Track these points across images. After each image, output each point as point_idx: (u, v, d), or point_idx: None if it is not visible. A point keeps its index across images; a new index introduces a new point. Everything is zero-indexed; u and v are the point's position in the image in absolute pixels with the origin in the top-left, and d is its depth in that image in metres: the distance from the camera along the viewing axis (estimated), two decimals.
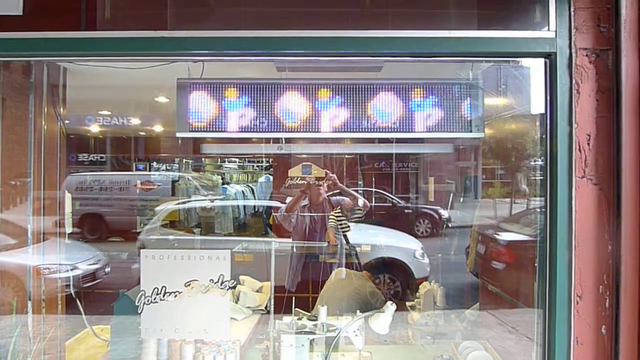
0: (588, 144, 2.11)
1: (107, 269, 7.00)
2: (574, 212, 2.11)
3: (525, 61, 2.40)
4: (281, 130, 2.65)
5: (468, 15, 2.62)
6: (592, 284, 2.11)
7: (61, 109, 3.32)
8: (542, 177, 2.25)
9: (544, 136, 2.22)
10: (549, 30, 2.15)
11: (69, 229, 3.37)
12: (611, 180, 2.09)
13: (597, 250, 2.11)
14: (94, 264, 6.72)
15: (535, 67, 2.28)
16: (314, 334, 2.66)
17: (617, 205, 2.06)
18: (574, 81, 2.12)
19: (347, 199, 5.05)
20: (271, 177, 10.81)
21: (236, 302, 3.55)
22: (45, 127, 3.13)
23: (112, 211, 10.21)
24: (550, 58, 2.17)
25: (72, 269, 5.73)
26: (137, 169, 10.88)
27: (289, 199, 5.17)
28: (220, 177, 11.11)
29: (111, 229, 10.16)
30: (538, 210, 2.30)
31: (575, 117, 2.11)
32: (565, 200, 2.11)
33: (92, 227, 10.16)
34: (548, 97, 2.18)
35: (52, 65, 3.13)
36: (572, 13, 2.12)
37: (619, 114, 2.04)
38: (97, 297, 5.84)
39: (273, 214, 8.26)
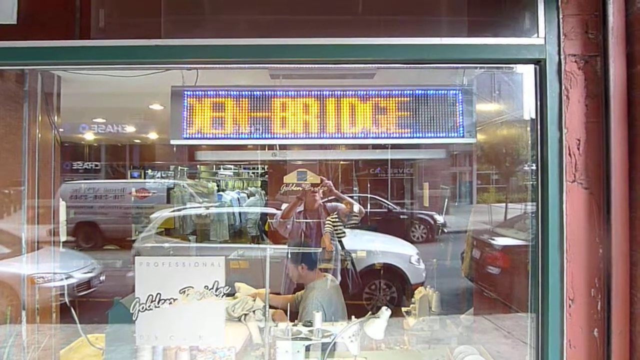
0: (578, 148, 2.14)
1: (102, 278, 6.96)
2: (564, 216, 2.13)
3: (517, 67, 2.43)
4: (276, 137, 2.66)
5: (458, 22, 2.65)
6: (583, 288, 2.13)
7: (55, 117, 3.33)
8: (533, 182, 2.28)
9: (535, 141, 2.24)
10: (538, 37, 2.19)
11: (63, 237, 3.36)
12: (601, 184, 2.12)
13: (588, 254, 2.13)
14: (88, 272, 6.69)
15: (527, 73, 2.32)
16: (310, 340, 2.66)
17: (607, 209, 2.08)
18: (563, 87, 2.15)
19: (342, 205, 5.07)
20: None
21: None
22: (40, 135, 3.13)
23: (107, 219, 10.16)
24: (539, 64, 2.20)
25: (66, 278, 5.70)
26: (132, 177, 10.85)
27: (284, 206, 5.18)
28: (215, 184, 11.09)
29: (106, 237, 10.10)
30: (530, 214, 2.33)
31: (565, 122, 2.14)
32: (556, 204, 2.14)
33: (87, 236, 10.10)
34: (538, 103, 2.21)
35: (46, 73, 3.14)
36: (561, 20, 2.16)
37: (608, 119, 2.07)
38: (91, 305, 5.81)
39: (268, 220, 8.26)
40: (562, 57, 2.16)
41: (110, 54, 2.27)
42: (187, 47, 2.27)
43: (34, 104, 3.10)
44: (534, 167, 2.28)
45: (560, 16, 2.15)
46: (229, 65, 2.43)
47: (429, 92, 2.63)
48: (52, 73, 3.22)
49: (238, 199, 10.73)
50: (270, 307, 3.10)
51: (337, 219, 4.98)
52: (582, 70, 2.15)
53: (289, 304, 3.21)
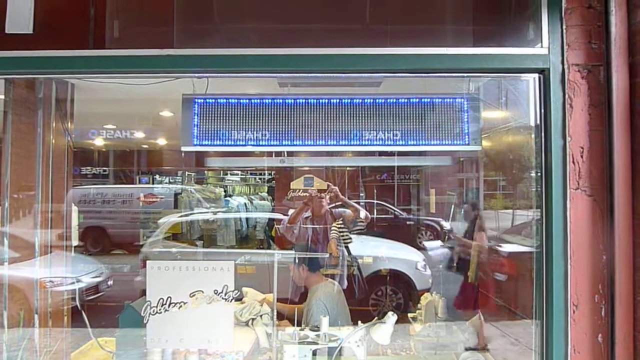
0: (582, 156, 2.17)
1: (110, 282, 6.99)
2: (569, 223, 2.16)
3: (523, 75, 2.46)
4: (283, 143, 2.71)
5: (464, 32, 2.69)
6: (587, 294, 2.15)
7: (68, 124, 3.39)
8: (538, 189, 2.30)
9: (539, 149, 2.27)
10: (542, 47, 2.23)
11: (75, 241, 3.41)
12: (604, 191, 2.15)
13: (592, 260, 2.15)
14: (96, 276, 6.72)
15: (533, 81, 2.34)
16: (317, 344, 2.69)
17: (611, 216, 2.11)
18: (567, 96, 2.18)
19: (348, 211, 5.09)
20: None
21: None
22: (53, 141, 3.19)
23: (115, 224, 10.22)
24: (543, 74, 2.23)
25: (77, 282, 5.74)
26: (141, 182, 10.92)
27: (291, 211, 5.21)
28: (222, 189, 11.13)
29: (114, 241, 10.15)
30: (535, 221, 2.35)
31: (569, 130, 2.17)
32: (560, 211, 2.17)
33: (95, 240, 10.17)
34: (542, 112, 2.24)
35: (60, 81, 3.20)
36: (564, 30, 2.19)
37: (611, 127, 2.10)
38: (99, 310, 5.84)
39: (275, 225, 8.29)
40: (565, 66, 2.19)
41: (125, 63, 2.33)
42: (198, 56, 2.33)
43: (48, 111, 3.17)
44: (538, 174, 2.30)
45: (564, 27, 2.19)
46: (238, 75, 2.49)
47: (435, 100, 2.67)
48: (66, 80, 3.29)
49: (248, 202, 10.77)
50: (278, 314, 3.12)
51: (342, 225, 5.01)
52: (586, 80, 2.18)
53: (295, 309, 3.24)
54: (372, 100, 2.67)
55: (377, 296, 6.43)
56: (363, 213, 5.07)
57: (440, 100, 2.66)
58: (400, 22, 2.78)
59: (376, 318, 2.87)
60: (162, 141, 7.04)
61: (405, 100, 2.66)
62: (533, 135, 2.35)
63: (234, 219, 9.64)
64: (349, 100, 2.68)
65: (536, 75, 2.28)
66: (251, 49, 2.31)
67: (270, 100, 2.70)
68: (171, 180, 11.04)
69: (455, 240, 5.16)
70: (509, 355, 3.72)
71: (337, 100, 2.68)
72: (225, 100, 2.69)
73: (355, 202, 5.86)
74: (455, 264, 5.09)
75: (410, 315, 3.69)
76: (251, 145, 2.67)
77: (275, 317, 3.02)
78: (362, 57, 2.30)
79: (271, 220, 9.83)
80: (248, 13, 2.81)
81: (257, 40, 2.55)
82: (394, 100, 2.66)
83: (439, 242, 6.94)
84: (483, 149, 3.12)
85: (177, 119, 2.81)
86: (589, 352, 2.15)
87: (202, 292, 2.53)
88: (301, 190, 5.32)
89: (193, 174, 11.19)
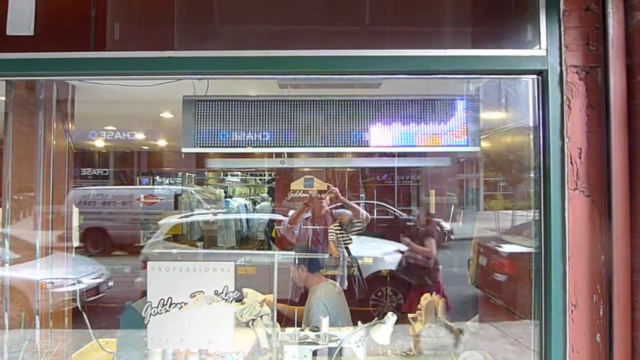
0: (579, 157, 2.18)
1: (110, 283, 7.01)
2: (567, 224, 2.17)
3: (522, 76, 2.47)
4: (283, 145, 2.72)
5: (463, 33, 2.70)
6: (586, 294, 2.16)
7: (69, 125, 3.40)
8: (536, 190, 2.31)
9: (537, 150, 2.29)
10: (540, 48, 2.24)
11: (75, 243, 3.42)
12: (602, 192, 2.16)
13: (590, 261, 2.16)
14: (97, 278, 6.73)
15: (532, 82, 2.36)
16: (317, 344, 2.70)
17: (609, 216, 2.12)
18: (565, 97, 2.19)
19: (348, 212, 5.11)
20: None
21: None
22: (54, 142, 3.20)
23: (115, 225, 10.24)
24: (542, 75, 2.25)
25: (78, 283, 5.75)
26: (141, 183, 10.94)
27: (291, 212, 5.23)
28: (222, 190, 11.14)
29: (114, 243, 10.18)
30: (534, 222, 2.36)
31: (567, 131, 2.18)
32: (559, 212, 2.18)
33: (95, 241, 10.19)
34: (540, 113, 2.26)
35: (61, 82, 3.21)
36: (562, 32, 2.21)
37: (609, 128, 2.11)
38: (100, 310, 5.86)
39: (276, 226, 8.30)
40: (563, 68, 2.20)
41: (125, 65, 2.34)
42: (198, 58, 2.34)
43: (49, 112, 3.18)
44: (537, 175, 2.32)
45: (562, 28, 2.20)
46: (239, 76, 2.50)
47: (434, 101, 2.68)
48: (67, 82, 3.30)
49: (247, 204, 10.78)
50: (278, 315, 3.13)
51: (339, 227, 5.02)
52: (583, 81, 2.19)
53: (295, 310, 3.25)
54: (372, 102, 2.68)
55: (377, 297, 6.44)
56: (363, 214, 5.08)
57: (439, 101, 2.67)
58: (399, 23, 2.80)
59: (376, 318, 2.88)
60: (162, 142, 7.07)
61: (406, 101, 2.67)
62: (532, 136, 2.36)
63: (234, 220, 9.65)
64: (349, 102, 2.69)
65: (534, 77, 2.29)
66: (251, 50, 2.32)
67: (270, 102, 2.71)
68: (171, 182, 11.05)
69: (406, 245, 5.20)
70: (509, 355, 3.74)
71: (337, 102, 2.69)
72: (225, 102, 2.70)
73: (356, 203, 5.87)
74: (403, 268, 5.14)
75: (410, 315, 3.69)
76: (251, 146, 2.68)
77: (275, 318, 3.02)
78: (362, 58, 2.31)
79: (271, 221, 9.84)
80: (248, 15, 2.82)
81: (257, 41, 2.56)
82: (394, 101, 2.67)
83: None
84: (483, 150, 3.13)
85: (178, 121, 2.82)
86: (588, 351, 2.16)
87: (203, 292, 2.54)
88: (301, 191, 5.33)
89: (193, 175, 11.21)
